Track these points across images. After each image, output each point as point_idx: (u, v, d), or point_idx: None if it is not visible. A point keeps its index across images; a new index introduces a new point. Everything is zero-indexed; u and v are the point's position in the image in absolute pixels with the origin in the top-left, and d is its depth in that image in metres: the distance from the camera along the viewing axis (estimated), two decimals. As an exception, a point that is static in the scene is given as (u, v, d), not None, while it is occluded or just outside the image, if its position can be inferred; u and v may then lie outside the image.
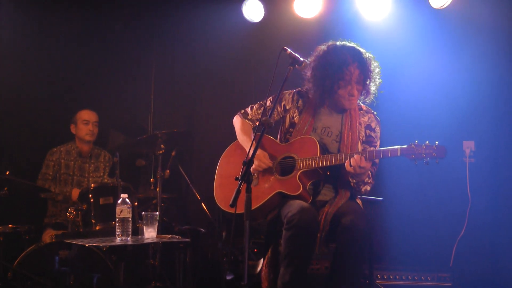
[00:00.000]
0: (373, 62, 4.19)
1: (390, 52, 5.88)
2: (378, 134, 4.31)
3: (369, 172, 4.04)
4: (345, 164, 3.88)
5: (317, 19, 6.16)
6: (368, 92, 4.21)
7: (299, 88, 4.37)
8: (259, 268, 4.25)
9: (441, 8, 5.80)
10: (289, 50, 3.94)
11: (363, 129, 4.27)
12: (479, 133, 5.83)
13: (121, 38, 6.83)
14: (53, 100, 6.52)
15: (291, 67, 3.98)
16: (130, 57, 6.83)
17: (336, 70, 4.11)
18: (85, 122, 5.96)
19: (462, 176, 5.81)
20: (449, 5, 5.75)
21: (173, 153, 5.78)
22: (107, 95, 6.65)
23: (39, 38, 6.49)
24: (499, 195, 5.73)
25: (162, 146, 5.58)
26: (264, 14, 6.42)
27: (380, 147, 4.25)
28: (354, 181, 4.03)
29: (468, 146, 5.86)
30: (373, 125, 4.30)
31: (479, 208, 5.73)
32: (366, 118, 4.31)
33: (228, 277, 5.72)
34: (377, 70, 4.20)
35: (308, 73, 4.21)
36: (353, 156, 3.87)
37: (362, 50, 4.19)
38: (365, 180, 4.02)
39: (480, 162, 5.83)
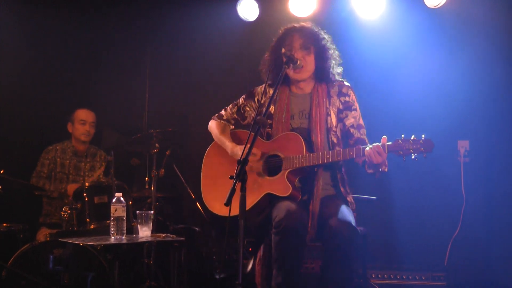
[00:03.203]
0: (323, 35, 4.22)
1: (385, 51, 5.92)
2: (354, 97, 4.24)
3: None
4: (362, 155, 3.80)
5: (312, 18, 6.13)
6: (324, 68, 4.19)
7: (270, 81, 4.30)
8: (250, 267, 4.25)
9: (436, 7, 5.82)
10: (284, 49, 3.94)
11: (337, 99, 4.21)
12: (473, 133, 5.85)
13: (116, 36, 6.81)
14: (48, 98, 6.50)
15: (286, 66, 3.99)
16: (125, 56, 6.82)
17: (282, 42, 4.20)
18: (82, 122, 5.94)
19: (456, 175, 5.82)
20: (444, 4, 5.76)
21: (167, 152, 5.78)
22: (102, 94, 6.63)
23: (35, 37, 6.48)
24: (494, 195, 5.74)
25: (156, 145, 5.58)
26: (259, 13, 6.42)
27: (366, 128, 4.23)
28: (371, 171, 3.93)
29: (463, 145, 5.87)
30: (344, 90, 4.23)
31: (473, 208, 5.75)
32: (336, 88, 4.24)
33: (218, 276, 5.71)
34: (328, 44, 4.21)
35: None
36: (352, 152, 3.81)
37: (301, 24, 4.27)
38: (382, 168, 3.88)
39: (475, 161, 5.84)
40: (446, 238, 5.77)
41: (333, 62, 4.23)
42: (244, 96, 4.43)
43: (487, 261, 5.68)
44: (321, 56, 4.18)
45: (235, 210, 3.40)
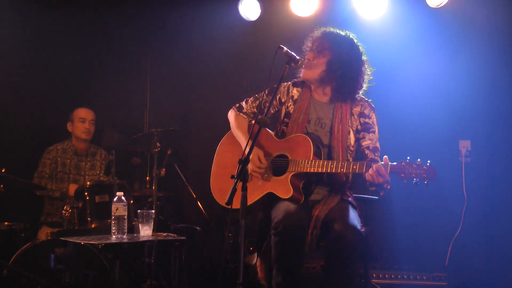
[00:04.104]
0: (355, 49, 4.22)
1: (386, 51, 5.90)
2: (374, 120, 4.22)
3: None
4: (365, 174, 3.78)
5: (313, 18, 6.16)
6: (333, 72, 4.15)
7: (294, 80, 4.35)
8: (255, 260, 4.25)
9: (438, 7, 5.82)
10: (285, 48, 3.94)
11: (357, 119, 4.21)
12: (475, 133, 5.84)
13: (117, 36, 6.81)
14: (49, 98, 6.49)
15: (287, 66, 3.98)
16: (126, 55, 6.82)
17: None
18: (82, 120, 5.94)
19: (458, 175, 5.82)
20: (445, 4, 5.76)
21: (168, 152, 5.78)
22: (103, 93, 6.63)
23: (35, 37, 6.47)
24: (495, 195, 5.74)
25: (157, 144, 5.58)
26: (261, 13, 6.42)
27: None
28: (374, 188, 3.89)
29: (464, 145, 5.87)
30: (366, 111, 4.23)
31: (475, 208, 5.74)
32: (358, 108, 4.23)
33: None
34: (356, 57, 4.20)
35: None
36: (371, 167, 3.75)
37: (337, 31, 4.27)
38: (385, 186, 3.82)
39: (476, 161, 5.84)
40: (447, 238, 5.77)
41: (365, 78, 4.23)
42: (266, 91, 4.38)
43: (488, 262, 5.68)
44: (336, 66, 4.14)
45: (236, 205, 3.42)
